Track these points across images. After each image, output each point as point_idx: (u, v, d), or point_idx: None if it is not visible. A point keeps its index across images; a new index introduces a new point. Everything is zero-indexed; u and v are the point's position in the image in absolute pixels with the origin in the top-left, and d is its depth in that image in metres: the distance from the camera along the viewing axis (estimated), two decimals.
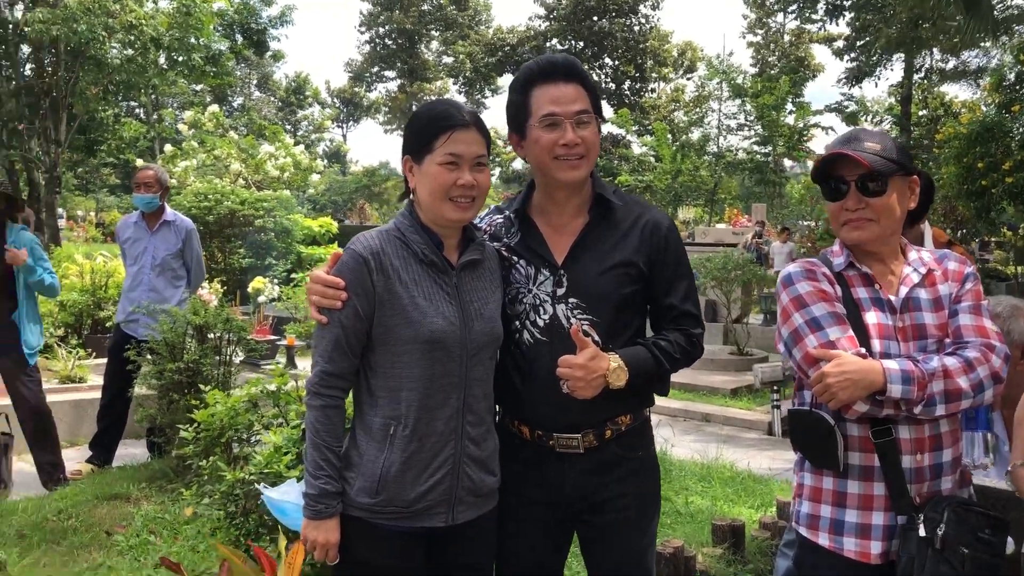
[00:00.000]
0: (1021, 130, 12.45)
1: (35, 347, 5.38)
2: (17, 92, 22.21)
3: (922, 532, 2.00)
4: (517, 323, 2.31)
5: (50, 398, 5.64)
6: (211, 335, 5.64)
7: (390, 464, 2.09)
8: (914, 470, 2.08)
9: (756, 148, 28.74)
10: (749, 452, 7.37)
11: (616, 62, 49.38)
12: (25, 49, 22.93)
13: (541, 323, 2.28)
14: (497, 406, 2.38)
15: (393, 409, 2.11)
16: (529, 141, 2.30)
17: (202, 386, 4.84)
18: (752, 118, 28.37)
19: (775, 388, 8.76)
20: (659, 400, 2.44)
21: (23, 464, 5.68)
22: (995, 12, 11.64)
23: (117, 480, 5.29)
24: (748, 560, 4.05)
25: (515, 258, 2.35)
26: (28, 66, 23.35)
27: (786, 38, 46.09)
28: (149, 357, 5.49)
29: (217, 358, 5.61)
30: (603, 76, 49.38)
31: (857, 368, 1.99)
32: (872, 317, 2.14)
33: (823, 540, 2.15)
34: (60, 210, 24.58)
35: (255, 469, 3.40)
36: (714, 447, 6.96)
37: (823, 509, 2.16)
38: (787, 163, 32.13)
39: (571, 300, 2.27)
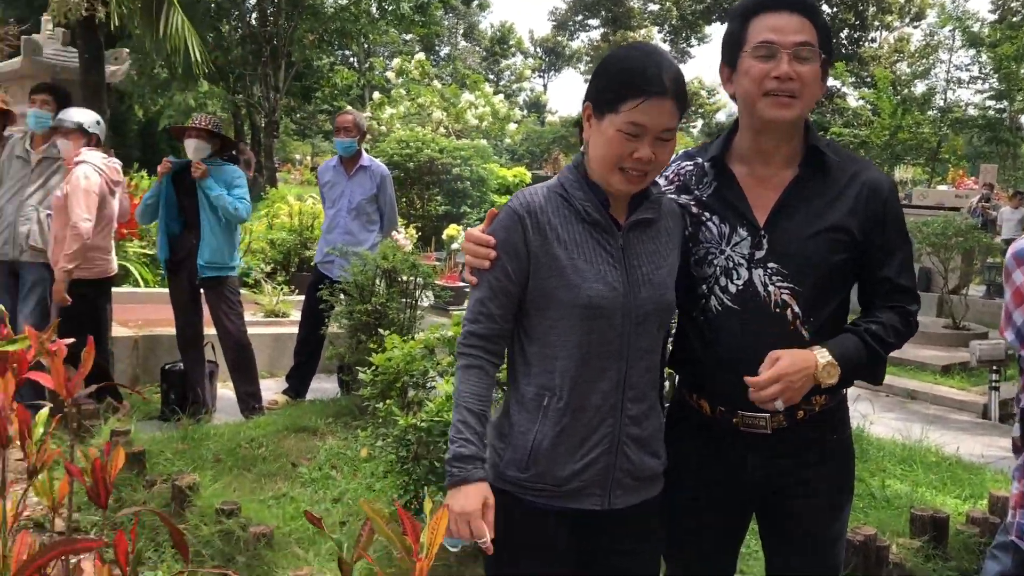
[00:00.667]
0: None
1: (209, 262, 5.42)
2: (243, 40, 23.76)
3: None
4: (704, 287, 2.06)
5: (253, 331, 5.95)
6: (399, 279, 5.75)
7: (542, 437, 1.94)
8: None
9: (990, 103, 26.29)
10: (959, 436, 6.76)
11: (835, 9, 46.29)
12: (251, 0, 24.44)
13: (733, 289, 2.02)
14: (677, 377, 2.17)
15: (547, 378, 1.95)
16: (739, 73, 2.02)
17: (382, 330, 4.93)
18: (987, 70, 25.91)
19: (995, 368, 8.03)
20: None
21: (226, 390, 6.04)
22: None
23: (307, 413, 5.52)
24: (951, 557, 3.66)
25: (707, 214, 2.08)
26: (252, 16, 24.86)
27: None
28: (342, 297, 5.68)
29: (404, 301, 5.72)
30: None
31: None
32: None
33: None
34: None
35: (426, 416, 3.40)
36: (918, 427, 6.39)
37: None
38: None
39: (771, 265, 1.99)
